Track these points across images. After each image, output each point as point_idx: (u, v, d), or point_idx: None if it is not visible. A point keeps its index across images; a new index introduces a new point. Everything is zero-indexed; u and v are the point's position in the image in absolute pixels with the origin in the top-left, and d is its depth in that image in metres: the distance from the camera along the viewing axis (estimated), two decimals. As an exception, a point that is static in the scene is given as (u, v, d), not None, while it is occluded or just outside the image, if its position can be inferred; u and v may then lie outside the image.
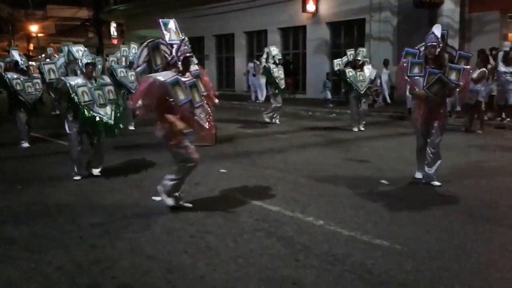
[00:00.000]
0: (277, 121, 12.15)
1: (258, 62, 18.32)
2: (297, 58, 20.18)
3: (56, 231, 4.47)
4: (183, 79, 4.53)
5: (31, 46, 40.93)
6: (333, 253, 3.82)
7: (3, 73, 8.71)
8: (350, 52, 10.69)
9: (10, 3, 38.05)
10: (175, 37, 4.72)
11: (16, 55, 8.87)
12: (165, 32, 4.67)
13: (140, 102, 4.58)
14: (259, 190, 5.80)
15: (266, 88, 14.58)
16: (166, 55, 4.68)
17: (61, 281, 3.43)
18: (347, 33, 18.13)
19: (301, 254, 3.81)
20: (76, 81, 6.10)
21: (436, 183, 5.84)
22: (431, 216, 4.76)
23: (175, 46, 4.63)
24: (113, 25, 33.88)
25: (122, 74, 10.01)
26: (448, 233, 4.27)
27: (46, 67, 7.22)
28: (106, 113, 6.21)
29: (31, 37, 40.08)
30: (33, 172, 6.97)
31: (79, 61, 6.15)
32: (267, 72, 11.70)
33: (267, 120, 12.09)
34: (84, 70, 6.15)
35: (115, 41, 33.45)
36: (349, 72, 10.26)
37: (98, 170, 6.58)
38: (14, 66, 8.73)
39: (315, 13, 18.60)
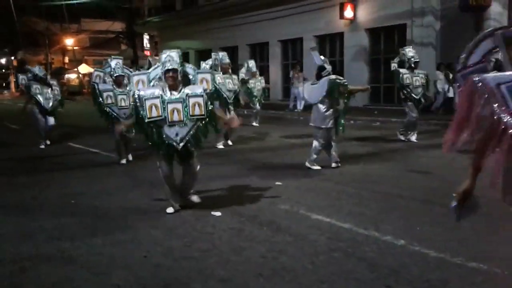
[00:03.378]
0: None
1: (297, 70, 18.19)
2: (333, 66, 19.75)
3: (115, 248, 4.22)
4: None
5: (67, 59, 41.67)
6: (426, 278, 3.42)
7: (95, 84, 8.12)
8: (403, 52, 9.92)
9: (46, 17, 38.88)
10: None
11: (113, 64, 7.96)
12: None
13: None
14: (322, 204, 5.44)
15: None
16: None
17: (132, 307, 3.16)
18: (387, 39, 17.64)
19: (391, 279, 3.43)
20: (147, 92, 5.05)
21: None
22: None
23: None
24: (146, 37, 34.17)
25: None
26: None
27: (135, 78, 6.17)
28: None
29: (67, 50, 40.80)
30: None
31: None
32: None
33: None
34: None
35: (148, 53, 33.72)
36: (405, 74, 9.51)
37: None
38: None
39: (353, 20, 18.19)
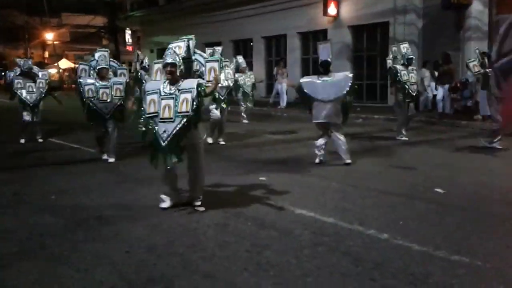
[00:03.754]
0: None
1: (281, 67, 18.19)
2: (315, 62, 19.82)
3: (98, 244, 4.16)
4: None
5: (47, 54, 41.02)
6: (411, 271, 3.45)
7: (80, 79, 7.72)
8: (395, 48, 9.94)
9: (26, 11, 38.21)
10: None
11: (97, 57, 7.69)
12: None
13: None
14: (307, 199, 5.45)
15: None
16: None
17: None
18: (369, 36, 17.76)
19: (375, 272, 3.45)
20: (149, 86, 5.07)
21: None
22: (504, 229, 4.38)
23: None
24: (128, 32, 33.82)
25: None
26: (529, 248, 3.90)
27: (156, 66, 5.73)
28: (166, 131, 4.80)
29: (47, 44, 40.17)
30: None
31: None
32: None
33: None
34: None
35: (130, 48, 33.38)
36: (402, 70, 9.38)
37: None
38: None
39: (336, 17, 18.26)
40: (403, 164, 7.37)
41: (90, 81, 7.59)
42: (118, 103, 7.62)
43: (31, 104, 9.76)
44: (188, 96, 4.72)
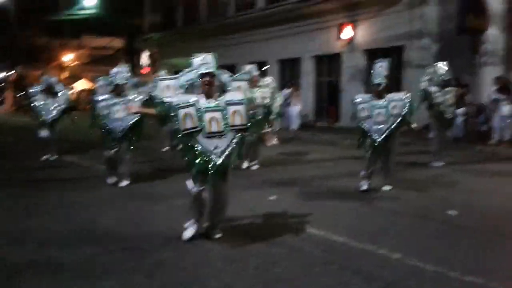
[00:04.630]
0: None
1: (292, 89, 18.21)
2: (331, 86, 19.88)
3: (107, 257, 4.13)
4: None
5: (65, 75, 41.76)
6: (423, 291, 3.37)
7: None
8: (431, 69, 9.25)
9: (47, 33, 39.11)
10: None
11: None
12: None
13: None
14: (317, 218, 5.36)
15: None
16: None
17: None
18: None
19: (386, 291, 3.37)
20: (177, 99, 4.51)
21: None
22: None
23: None
24: (145, 54, 34.35)
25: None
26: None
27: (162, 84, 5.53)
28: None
29: (66, 66, 40.94)
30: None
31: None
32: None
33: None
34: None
35: (146, 70, 33.84)
36: (436, 92, 8.75)
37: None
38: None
39: (351, 40, 18.36)
40: (414, 186, 7.25)
41: (103, 97, 7.08)
42: (133, 122, 6.94)
43: (49, 121, 9.65)
44: (240, 108, 4.31)
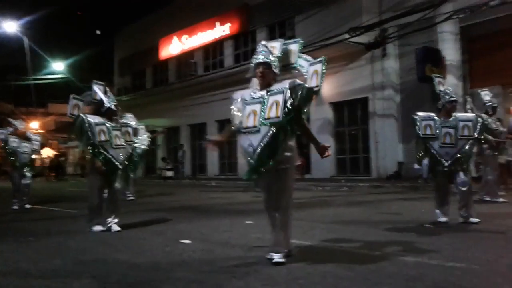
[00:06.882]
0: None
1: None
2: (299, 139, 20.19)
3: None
4: None
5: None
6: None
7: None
8: (470, 99, 8.12)
9: (13, 100, 38.90)
10: None
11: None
12: None
13: None
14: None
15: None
16: None
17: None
18: (350, 111, 18.30)
19: (370, 276, 3.29)
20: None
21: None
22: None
23: None
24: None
25: None
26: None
27: None
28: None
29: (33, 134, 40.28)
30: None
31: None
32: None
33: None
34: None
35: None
36: (488, 119, 7.44)
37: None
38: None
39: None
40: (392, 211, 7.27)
41: (99, 120, 5.79)
42: (129, 152, 6.10)
43: (25, 164, 9.20)
44: (279, 97, 3.57)
